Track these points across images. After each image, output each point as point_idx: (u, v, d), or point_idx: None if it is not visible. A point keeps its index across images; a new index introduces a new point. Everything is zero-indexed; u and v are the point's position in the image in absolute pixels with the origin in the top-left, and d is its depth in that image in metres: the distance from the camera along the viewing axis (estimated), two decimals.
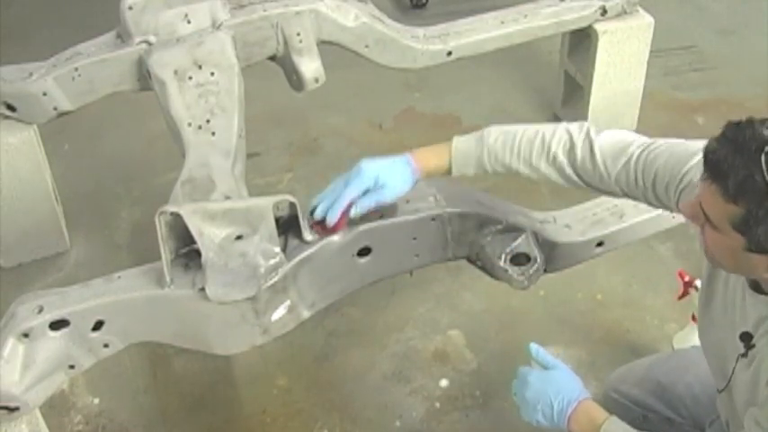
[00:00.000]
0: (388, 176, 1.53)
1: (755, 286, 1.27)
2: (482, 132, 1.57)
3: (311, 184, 3.01)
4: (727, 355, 1.36)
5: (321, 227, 1.57)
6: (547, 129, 1.55)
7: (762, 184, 1.07)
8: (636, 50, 2.97)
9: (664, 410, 1.70)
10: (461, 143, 1.58)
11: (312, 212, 1.57)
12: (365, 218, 1.62)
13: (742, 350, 1.30)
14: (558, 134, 1.53)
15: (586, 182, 1.53)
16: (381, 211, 1.61)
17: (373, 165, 1.53)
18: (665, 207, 1.46)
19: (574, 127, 1.53)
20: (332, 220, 1.53)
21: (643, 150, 1.46)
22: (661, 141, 1.46)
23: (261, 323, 1.60)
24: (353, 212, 1.54)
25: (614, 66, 2.97)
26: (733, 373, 1.35)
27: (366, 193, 1.54)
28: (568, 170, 1.52)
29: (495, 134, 1.56)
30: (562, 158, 1.52)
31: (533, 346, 1.48)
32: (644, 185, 1.45)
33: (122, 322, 1.57)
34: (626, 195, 1.52)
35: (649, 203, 1.50)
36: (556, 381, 1.42)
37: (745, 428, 1.25)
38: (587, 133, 1.51)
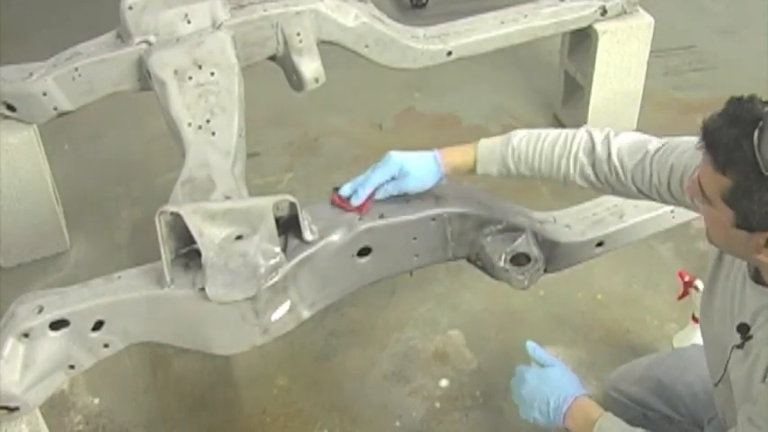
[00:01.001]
0: (413, 167, 1.62)
1: (756, 277, 1.28)
2: (509, 134, 1.63)
3: (311, 184, 3.02)
4: (724, 346, 1.37)
5: (343, 202, 1.66)
6: (569, 131, 1.59)
7: (749, 156, 1.08)
8: (636, 50, 2.97)
9: (663, 409, 1.70)
10: (487, 142, 1.63)
11: (337, 189, 1.67)
12: (371, 216, 1.65)
13: (738, 341, 1.31)
14: (579, 135, 1.57)
15: (603, 182, 1.55)
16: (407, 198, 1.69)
17: (401, 155, 1.63)
18: (681, 203, 1.47)
19: (595, 130, 1.57)
20: (357, 201, 1.64)
21: (660, 147, 1.48)
22: (678, 139, 1.48)
23: (261, 323, 1.60)
24: (377, 196, 1.65)
25: (614, 66, 2.97)
26: (727, 364, 1.36)
27: (392, 180, 1.63)
28: (588, 170, 1.55)
29: (521, 135, 1.61)
30: (583, 158, 1.55)
31: (530, 344, 1.50)
32: (659, 181, 1.46)
33: (122, 322, 1.57)
34: (642, 194, 1.53)
35: (665, 201, 1.52)
36: (552, 378, 1.43)
37: (738, 425, 1.25)
38: (607, 134, 1.55)
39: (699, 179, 1.19)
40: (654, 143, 1.50)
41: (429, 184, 1.64)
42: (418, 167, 1.62)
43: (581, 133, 1.57)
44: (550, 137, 1.58)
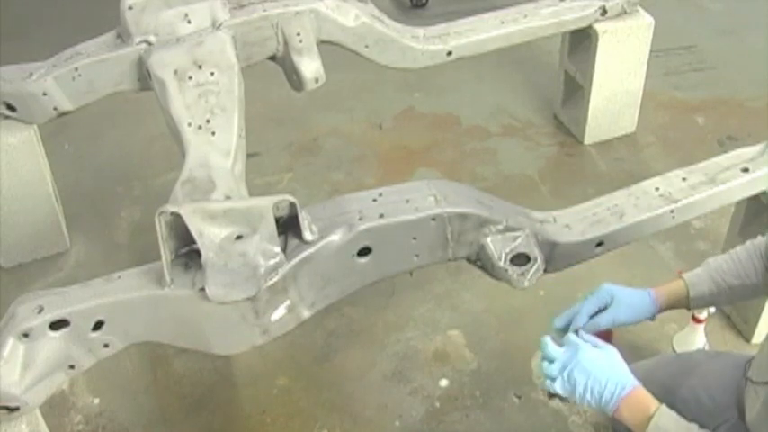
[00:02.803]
0: (626, 297, 1.62)
1: None
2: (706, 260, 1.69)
3: (311, 184, 3.02)
4: None
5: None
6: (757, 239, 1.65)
7: None
8: (636, 50, 2.97)
9: None
10: (689, 274, 1.67)
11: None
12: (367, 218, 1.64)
13: None
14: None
15: None
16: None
17: (614, 286, 1.63)
18: None
19: None
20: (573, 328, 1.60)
21: None
22: None
23: (261, 323, 1.60)
24: (586, 330, 1.59)
25: (614, 66, 2.97)
26: None
27: (604, 310, 1.62)
28: None
29: (717, 257, 1.66)
30: None
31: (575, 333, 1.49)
32: None
33: (122, 322, 1.57)
34: None
35: None
36: (610, 361, 1.42)
37: None
38: None
39: None
40: None
41: (641, 317, 1.64)
42: (631, 298, 1.62)
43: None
44: (742, 247, 1.63)
